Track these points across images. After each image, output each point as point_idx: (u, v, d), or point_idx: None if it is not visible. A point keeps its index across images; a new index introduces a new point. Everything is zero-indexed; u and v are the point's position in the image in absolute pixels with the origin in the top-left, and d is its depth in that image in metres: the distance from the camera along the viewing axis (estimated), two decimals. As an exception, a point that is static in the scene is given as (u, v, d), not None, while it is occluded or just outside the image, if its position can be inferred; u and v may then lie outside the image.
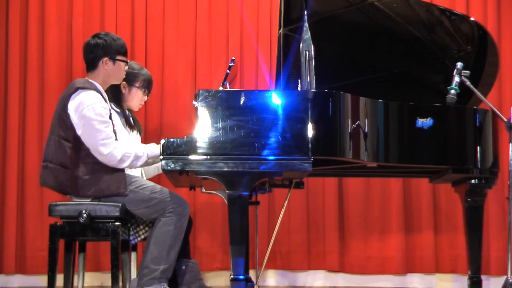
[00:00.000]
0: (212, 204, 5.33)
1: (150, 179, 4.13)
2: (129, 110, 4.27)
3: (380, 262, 5.34)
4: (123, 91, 4.16)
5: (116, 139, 3.79)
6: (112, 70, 3.90)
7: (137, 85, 4.19)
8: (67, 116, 3.75)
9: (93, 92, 3.77)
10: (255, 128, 3.47)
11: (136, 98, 4.21)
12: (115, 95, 4.10)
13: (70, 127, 3.75)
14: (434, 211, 5.35)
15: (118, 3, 5.49)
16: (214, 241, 5.37)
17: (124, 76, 4.00)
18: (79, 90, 3.77)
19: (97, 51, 3.86)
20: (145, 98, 4.28)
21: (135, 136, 4.20)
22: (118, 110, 4.12)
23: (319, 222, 5.40)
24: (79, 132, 3.74)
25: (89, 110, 3.71)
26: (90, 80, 3.87)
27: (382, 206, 5.37)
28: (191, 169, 3.47)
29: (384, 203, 5.37)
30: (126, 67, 3.98)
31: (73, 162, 3.74)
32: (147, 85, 4.23)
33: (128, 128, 4.13)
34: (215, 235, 5.37)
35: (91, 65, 3.89)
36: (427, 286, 5.34)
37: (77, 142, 3.74)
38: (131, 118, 4.22)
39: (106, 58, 3.86)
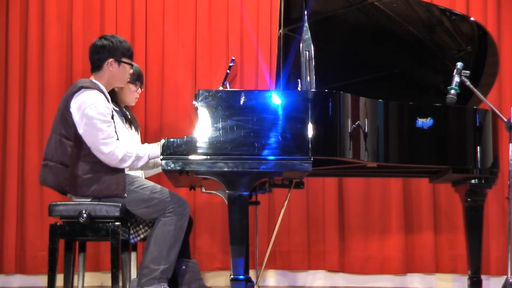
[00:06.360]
0: (212, 204, 5.33)
1: (149, 179, 4.14)
2: (126, 107, 4.28)
3: (380, 262, 5.35)
4: (116, 88, 4.16)
5: (117, 139, 3.79)
6: (116, 72, 3.90)
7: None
8: (69, 114, 3.76)
9: (96, 92, 3.78)
10: (255, 128, 3.47)
11: (129, 93, 4.21)
12: (109, 94, 4.10)
13: (72, 125, 3.75)
14: (434, 211, 5.35)
15: (118, 3, 5.49)
16: (214, 241, 5.37)
17: (129, 79, 4.01)
18: (83, 89, 3.78)
19: (102, 53, 3.87)
20: (139, 90, 4.27)
21: (134, 133, 4.20)
22: (117, 109, 4.13)
23: (319, 222, 5.40)
24: (80, 130, 3.74)
25: (91, 109, 3.72)
26: (94, 81, 3.87)
27: (382, 206, 5.37)
28: (191, 169, 3.48)
29: (384, 203, 5.37)
30: (131, 71, 3.98)
31: (73, 161, 3.74)
32: (137, 78, 4.23)
33: (127, 125, 4.14)
34: (215, 235, 5.37)
35: (96, 66, 3.90)
36: (427, 286, 5.34)
37: (78, 140, 3.75)
38: (128, 116, 4.22)
39: (111, 60, 3.87)
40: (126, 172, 3.85)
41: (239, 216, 3.48)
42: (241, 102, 3.49)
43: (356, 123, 3.61)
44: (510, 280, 3.58)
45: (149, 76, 5.44)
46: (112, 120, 3.80)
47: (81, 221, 3.73)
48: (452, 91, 3.71)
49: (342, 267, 5.38)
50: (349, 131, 3.58)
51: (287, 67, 4.11)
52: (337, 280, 5.40)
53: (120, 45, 3.89)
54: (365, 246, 5.37)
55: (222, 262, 5.34)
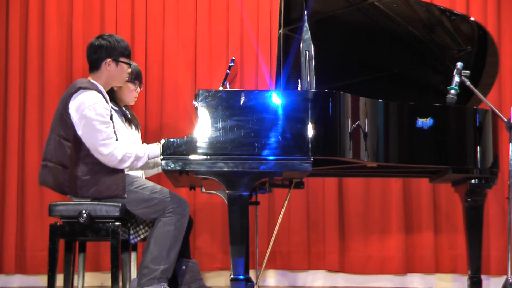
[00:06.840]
0: (212, 204, 5.33)
1: (149, 179, 4.13)
2: (126, 106, 4.28)
3: (380, 262, 5.35)
4: (114, 88, 4.15)
5: (116, 139, 3.79)
6: (114, 72, 3.90)
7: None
8: (68, 115, 3.76)
9: (94, 93, 3.78)
10: (255, 128, 3.47)
11: (128, 92, 4.21)
12: (109, 93, 4.10)
13: (71, 127, 3.75)
14: (434, 211, 5.35)
15: (118, 3, 5.49)
16: (214, 241, 5.37)
17: (127, 78, 4.01)
18: (81, 90, 3.78)
19: (100, 52, 3.86)
20: (138, 89, 4.27)
21: (134, 132, 4.20)
22: (117, 109, 4.12)
23: (319, 222, 5.40)
24: (79, 132, 3.74)
25: (90, 110, 3.72)
26: (92, 81, 3.87)
27: (382, 206, 5.37)
28: (191, 169, 3.48)
29: (384, 203, 5.37)
30: (129, 70, 3.98)
31: (72, 162, 3.74)
32: (136, 77, 4.22)
33: (127, 124, 4.14)
34: (215, 235, 5.37)
35: (94, 65, 3.89)
36: (427, 286, 5.34)
37: (77, 141, 3.74)
38: (128, 114, 4.22)
39: (109, 60, 3.86)
40: (126, 172, 3.85)
41: (239, 216, 3.48)
42: (241, 102, 3.49)
43: (356, 123, 3.61)
44: (510, 280, 3.58)
45: (149, 76, 5.44)
46: (111, 121, 3.79)
47: (81, 221, 3.73)
48: (452, 91, 3.71)
49: (342, 267, 5.38)
50: (349, 131, 3.58)
51: (287, 67, 4.11)
52: (337, 280, 5.40)
53: (118, 45, 3.88)
54: (365, 246, 5.37)
55: (222, 262, 5.34)
